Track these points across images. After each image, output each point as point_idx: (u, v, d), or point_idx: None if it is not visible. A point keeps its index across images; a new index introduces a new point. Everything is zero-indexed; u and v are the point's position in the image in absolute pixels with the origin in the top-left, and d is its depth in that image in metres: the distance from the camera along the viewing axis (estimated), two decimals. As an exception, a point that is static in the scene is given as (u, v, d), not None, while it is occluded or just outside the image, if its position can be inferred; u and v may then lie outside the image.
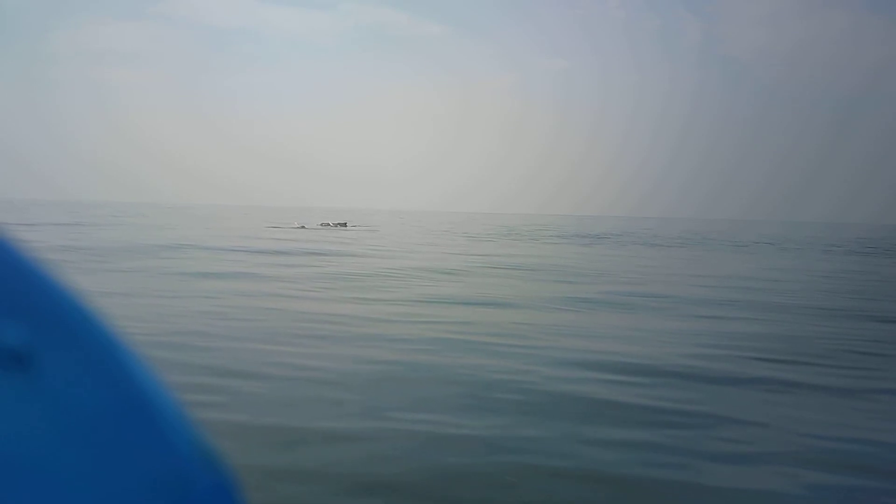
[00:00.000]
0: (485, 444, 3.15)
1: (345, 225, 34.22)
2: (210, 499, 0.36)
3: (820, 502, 2.70)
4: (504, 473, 2.88)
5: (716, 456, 3.07)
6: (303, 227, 30.24)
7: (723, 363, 4.75)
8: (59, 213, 42.10)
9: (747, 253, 20.31)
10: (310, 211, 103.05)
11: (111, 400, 0.34)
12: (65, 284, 0.35)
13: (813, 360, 4.90)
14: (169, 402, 0.36)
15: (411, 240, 22.81)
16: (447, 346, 5.07)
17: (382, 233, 28.15)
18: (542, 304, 7.52)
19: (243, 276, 9.42)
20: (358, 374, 4.19)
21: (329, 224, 33.25)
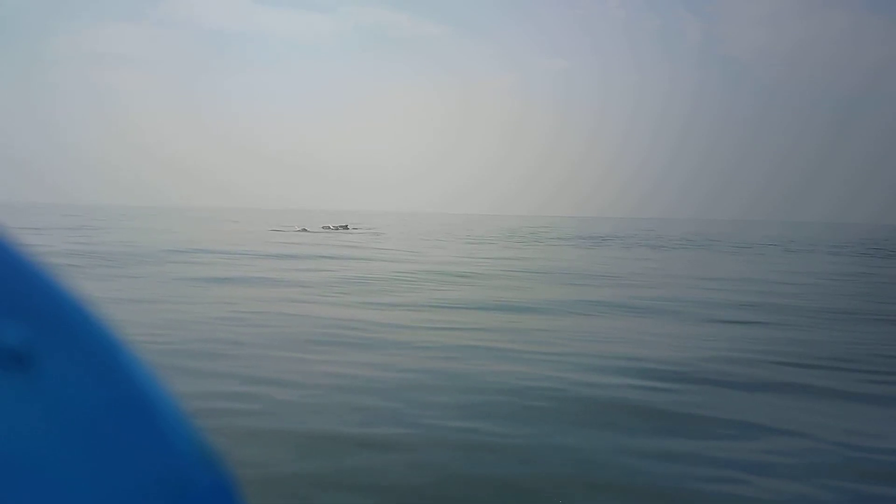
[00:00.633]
0: (522, 454, 3.12)
1: (346, 227, 34.17)
2: (209, 498, 0.36)
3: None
4: (545, 485, 2.85)
5: (758, 467, 3.04)
6: (304, 230, 30.16)
7: (752, 368, 4.73)
8: (59, 216, 42.05)
9: (753, 255, 20.29)
10: (309, 213, 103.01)
11: (111, 399, 0.34)
12: (64, 285, 0.35)
13: (843, 366, 4.87)
14: (168, 402, 0.36)
15: (416, 242, 22.78)
16: (471, 353, 5.04)
17: (387, 235, 28.11)
18: (560, 307, 7.49)
19: (255, 281, 9.39)
20: (387, 382, 4.16)
21: (329, 227, 33.15)
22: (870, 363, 5.00)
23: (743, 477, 2.94)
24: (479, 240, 26.35)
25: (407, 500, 2.71)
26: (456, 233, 33.51)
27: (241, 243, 18.63)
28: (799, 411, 3.85)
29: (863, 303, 8.78)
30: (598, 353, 5.14)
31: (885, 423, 3.75)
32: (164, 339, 4.99)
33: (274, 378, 4.13)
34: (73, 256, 12.07)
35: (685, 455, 3.15)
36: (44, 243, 15.57)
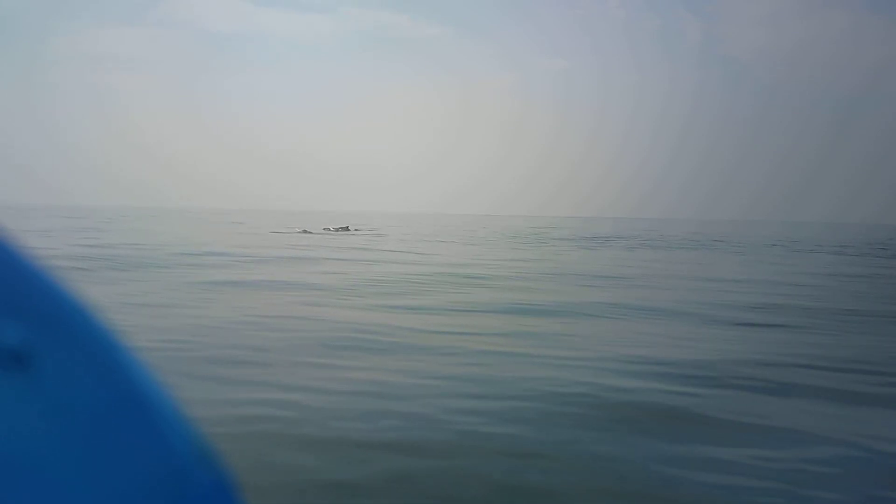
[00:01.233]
0: (563, 463, 3.09)
1: (347, 229, 34.10)
2: (207, 497, 0.36)
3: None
4: (583, 493, 2.82)
5: (794, 475, 2.98)
6: (305, 231, 30.08)
7: (779, 371, 4.69)
8: (62, 218, 41.99)
9: (760, 255, 20.25)
10: (308, 214, 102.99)
11: (109, 399, 0.34)
12: (62, 284, 0.35)
13: (869, 369, 4.84)
14: (166, 401, 0.36)
15: (421, 244, 22.74)
16: (494, 357, 5.00)
17: (390, 237, 28.07)
18: (576, 310, 7.45)
19: (268, 285, 9.35)
20: (414, 387, 4.12)
21: (329, 229, 33.03)
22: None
23: (794, 491, 2.90)
24: (484, 241, 26.32)
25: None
26: (459, 233, 33.49)
27: (248, 245, 18.59)
28: (831, 417, 3.82)
29: (879, 304, 8.75)
30: (622, 356, 5.11)
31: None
32: (186, 346, 4.95)
33: (302, 384, 4.09)
34: (83, 260, 12.03)
35: (722, 462, 3.11)
36: (49, 246, 15.52)
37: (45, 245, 15.76)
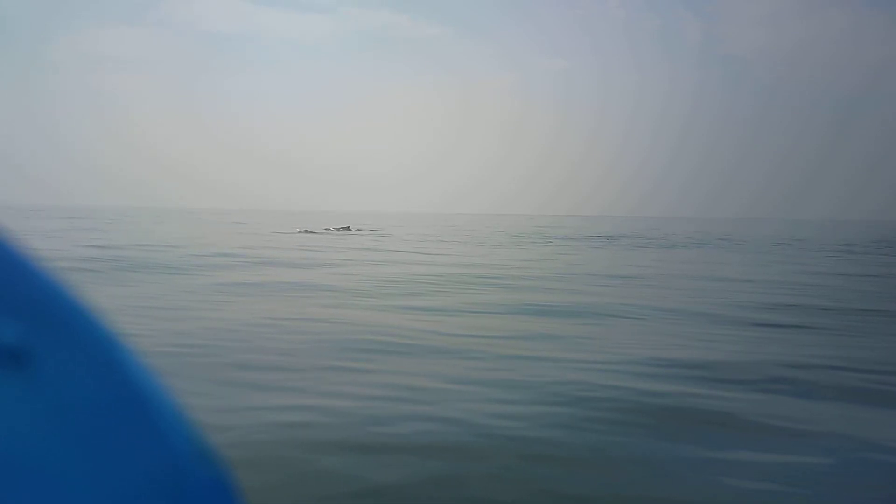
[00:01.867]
0: (599, 469, 3.06)
1: (348, 229, 34.02)
2: (206, 494, 0.36)
3: None
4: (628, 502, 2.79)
5: (845, 486, 2.95)
6: (306, 231, 29.98)
7: (812, 373, 4.65)
8: (61, 219, 41.93)
9: (768, 254, 20.22)
10: (307, 214, 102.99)
11: (107, 397, 0.34)
12: (60, 282, 0.35)
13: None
14: (165, 399, 0.36)
15: (426, 244, 22.70)
16: (520, 361, 4.96)
17: (394, 237, 28.02)
18: (595, 310, 7.41)
19: (281, 286, 9.31)
20: (443, 392, 4.09)
21: (330, 229, 32.89)
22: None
23: (818, 492, 2.86)
24: (489, 240, 26.28)
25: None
26: (462, 233, 33.45)
27: (253, 246, 18.56)
28: (866, 421, 3.78)
29: (895, 304, 8.70)
30: (647, 358, 5.06)
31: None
32: (210, 351, 4.91)
33: (332, 389, 4.06)
34: (91, 262, 11.98)
35: (758, 467, 3.07)
36: (54, 247, 15.49)
37: (50, 247, 15.71)
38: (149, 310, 6.81)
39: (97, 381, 0.34)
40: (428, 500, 2.70)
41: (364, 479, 2.79)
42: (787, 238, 33.44)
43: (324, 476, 2.80)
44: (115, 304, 7.00)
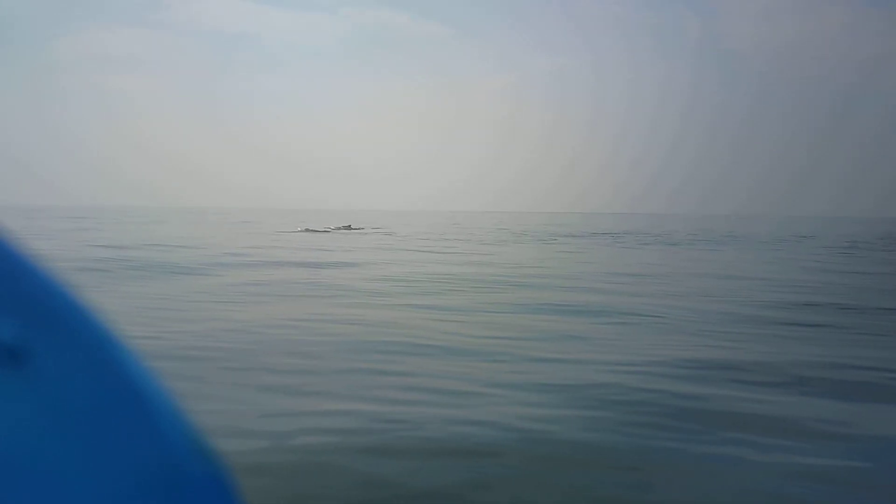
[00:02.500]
0: (646, 473, 3.01)
1: (349, 227, 33.91)
2: (204, 491, 0.37)
3: None
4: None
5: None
6: (308, 230, 29.85)
7: (852, 374, 4.60)
8: (66, 219, 41.85)
9: (776, 250, 20.16)
10: (307, 212, 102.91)
11: (105, 394, 0.34)
12: (59, 281, 0.35)
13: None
14: (162, 396, 0.37)
15: (431, 242, 22.64)
16: (547, 363, 4.89)
17: (398, 235, 27.95)
18: (615, 310, 7.34)
19: (296, 286, 9.26)
20: (479, 394, 4.04)
21: (330, 228, 32.74)
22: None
23: (875, 496, 2.81)
24: (493, 237, 26.22)
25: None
26: (465, 231, 33.38)
27: (261, 245, 18.50)
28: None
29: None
30: (678, 359, 5.00)
31: None
32: (238, 356, 4.83)
33: (364, 393, 4.00)
34: (101, 262, 11.90)
35: (801, 468, 3.01)
36: (61, 248, 15.42)
37: (58, 247, 15.65)
38: (165, 311, 6.75)
39: (95, 380, 0.34)
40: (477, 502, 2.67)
41: (407, 484, 2.75)
42: (790, 235, 33.37)
43: (366, 481, 2.74)
44: (131, 306, 6.94)
